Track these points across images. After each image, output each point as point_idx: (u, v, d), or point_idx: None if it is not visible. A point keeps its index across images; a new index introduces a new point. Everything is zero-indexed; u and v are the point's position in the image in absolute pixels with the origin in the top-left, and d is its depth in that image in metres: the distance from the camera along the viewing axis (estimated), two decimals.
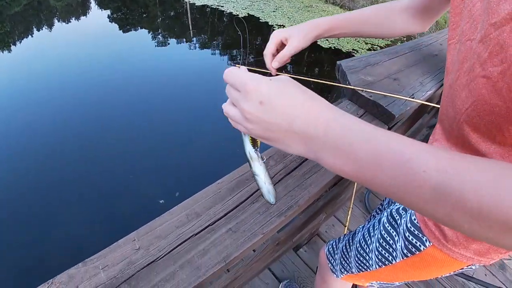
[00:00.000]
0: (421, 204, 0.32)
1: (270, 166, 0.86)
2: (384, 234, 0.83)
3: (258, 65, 0.81)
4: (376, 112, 1.10)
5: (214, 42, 6.64)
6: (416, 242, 0.70)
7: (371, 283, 1.02)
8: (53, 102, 4.18)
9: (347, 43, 6.28)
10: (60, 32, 7.18)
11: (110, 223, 2.76)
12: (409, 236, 0.72)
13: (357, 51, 6.01)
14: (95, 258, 0.69)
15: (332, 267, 1.08)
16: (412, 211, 0.74)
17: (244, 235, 0.73)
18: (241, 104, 0.40)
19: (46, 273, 2.30)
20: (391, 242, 0.80)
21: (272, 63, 0.82)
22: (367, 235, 0.92)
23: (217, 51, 6.20)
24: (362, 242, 0.92)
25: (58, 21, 7.77)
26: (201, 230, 0.72)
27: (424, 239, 0.69)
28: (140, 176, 3.13)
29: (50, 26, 7.49)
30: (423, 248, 0.69)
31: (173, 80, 4.86)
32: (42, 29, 7.30)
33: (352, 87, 1.10)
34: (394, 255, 0.78)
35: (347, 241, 1.03)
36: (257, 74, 0.41)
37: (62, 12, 8.20)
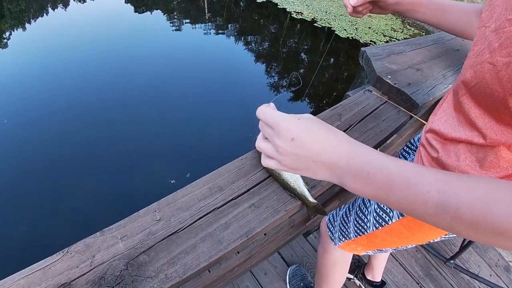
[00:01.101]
0: (426, 217, 0.40)
1: None
2: None
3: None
4: (399, 99, 1.08)
5: (230, 27, 6.57)
6: None
7: (366, 252, 1.04)
8: (68, 80, 4.19)
9: (365, 34, 6.14)
10: (75, 12, 7.15)
11: (119, 200, 2.77)
12: None
13: (374, 43, 5.88)
14: (113, 228, 0.68)
15: (331, 235, 1.09)
16: None
17: (267, 211, 0.71)
18: (274, 140, 0.47)
19: (49, 246, 2.35)
20: None
21: (351, 0, 0.86)
22: (366, 199, 0.95)
23: (232, 37, 6.13)
24: (362, 205, 0.97)
25: (74, 0, 7.75)
26: (224, 204, 0.71)
27: None
28: (152, 156, 3.13)
29: (65, 5, 7.48)
30: None
31: (187, 63, 4.82)
32: (57, 8, 7.29)
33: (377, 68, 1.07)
34: (390, 215, 0.82)
35: (347, 208, 1.06)
36: (286, 114, 0.48)
37: None
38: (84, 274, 0.62)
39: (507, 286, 1.83)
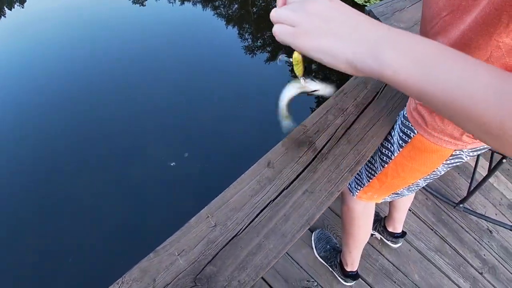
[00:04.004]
0: (474, 103, 0.29)
1: (329, 121, 0.80)
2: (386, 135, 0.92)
3: None
4: None
5: None
6: (407, 131, 0.79)
7: (384, 199, 1.08)
8: (34, 70, 3.85)
9: None
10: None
11: (120, 190, 2.60)
12: (402, 128, 0.81)
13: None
14: (167, 245, 0.62)
15: (349, 187, 1.12)
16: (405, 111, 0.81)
17: (322, 195, 0.68)
18: (306, 3, 0.39)
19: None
20: (389, 137, 0.89)
21: None
22: None
23: (199, 3, 5.83)
24: None
25: None
26: (278, 195, 0.67)
27: (412, 128, 0.77)
28: (144, 140, 2.92)
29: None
30: (413, 135, 0.78)
31: (156, 37, 4.44)
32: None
33: None
34: (392, 149, 0.86)
35: None
36: None
37: None
38: None
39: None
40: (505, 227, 1.89)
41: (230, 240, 0.62)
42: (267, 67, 4.22)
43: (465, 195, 1.86)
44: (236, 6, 5.82)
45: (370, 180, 1.00)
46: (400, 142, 0.82)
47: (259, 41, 4.76)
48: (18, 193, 2.57)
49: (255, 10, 5.77)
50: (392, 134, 0.88)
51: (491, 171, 1.65)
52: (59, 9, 5.28)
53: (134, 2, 5.71)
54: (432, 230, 1.82)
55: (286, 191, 0.67)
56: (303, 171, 0.71)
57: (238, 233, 0.63)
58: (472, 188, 1.79)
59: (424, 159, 0.80)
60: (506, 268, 1.85)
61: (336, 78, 4.31)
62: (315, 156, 0.73)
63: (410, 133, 0.78)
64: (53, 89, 3.51)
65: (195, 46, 4.33)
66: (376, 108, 0.87)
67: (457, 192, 1.98)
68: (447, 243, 1.77)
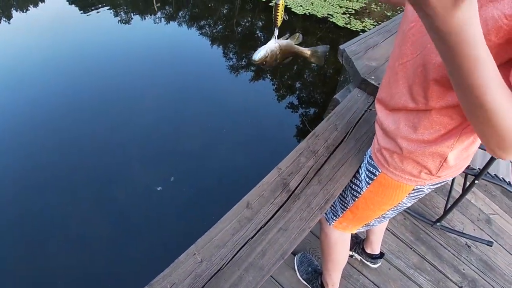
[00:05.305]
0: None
1: (302, 163, 0.91)
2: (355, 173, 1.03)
3: None
4: None
5: (180, 15, 6.38)
6: (372, 170, 0.89)
7: (358, 230, 1.18)
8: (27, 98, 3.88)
9: (322, 7, 6.18)
10: (19, 22, 6.55)
11: (111, 220, 2.67)
12: (368, 167, 0.92)
13: (332, 16, 5.93)
14: (160, 279, 0.73)
15: (325, 216, 1.21)
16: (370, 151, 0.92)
17: (295, 232, 0.79)
18: None
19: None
20: (357, 175, 1.00)
21: None
22: None
23: (184, 24, 5.98)
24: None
25: (16, 11, 7.15)
26: (256, 233, 0.78)
27: (377, 167, 0.87)
28: (129, 166, 2.97)
29: (8, 17, 6.88)
30: (378, 173, 0.88)
31: (143, 59, 4.50)
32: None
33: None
34: (360, 186, 0.96)
35: None
36: None
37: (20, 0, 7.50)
38: None
39: (491, 237, 2.04)
40: (482, 243, 1.98)
41: (214, 274, 0.73)
42: (252, 86, 4.32)
43: (442, 213, 1.96)
44: (221, 26, 5.94)
45: (344, 212, 1.10)
46: (367, 179, 0.92)
47: (243, 60, 4.86)
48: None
49: (240, 30, 5.91)
50: (360, 172, 0.99)
51: (465, 190, 1.74)
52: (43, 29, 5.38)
53: (119, 22, 5.84)
54: (411, 248, 1.90)
55: (263, 229, 0.79)
56: (278, 210, 0.82)
57: (222, 267, 0.74)
58: (448, 206, 1.89)
59: (389, 194, 0.90)
60: (486, 280, 1.93)
61: (320, 97, 4.43)
62: (289, 197, 0.84)
63: (375, 172, 0.89)
64: (37, 111, 3.48)
65: (180, 69, 4.39)
66: (346, 149, 0.98)
67: (434, 210, 2.08)
68: (426, 260, 1.86)
